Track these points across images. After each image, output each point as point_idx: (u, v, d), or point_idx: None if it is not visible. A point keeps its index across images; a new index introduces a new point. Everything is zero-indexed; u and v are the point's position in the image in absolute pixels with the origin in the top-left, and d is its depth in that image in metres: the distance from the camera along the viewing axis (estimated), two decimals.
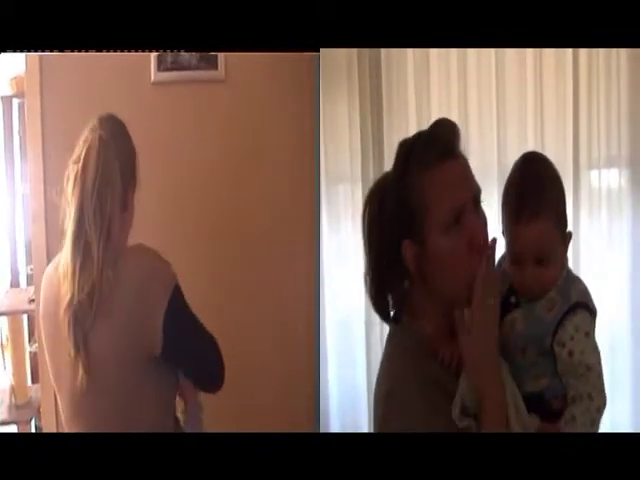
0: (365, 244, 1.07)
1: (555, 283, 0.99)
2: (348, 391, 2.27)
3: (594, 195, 2.29)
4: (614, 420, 2.24)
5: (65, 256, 1.26)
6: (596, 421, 0.95)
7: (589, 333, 0.98)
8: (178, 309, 1.30)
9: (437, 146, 0.99)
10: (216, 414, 1.51)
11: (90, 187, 1.24)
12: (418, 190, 0.98)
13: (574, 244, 2.23)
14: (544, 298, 0.99)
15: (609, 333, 2.27)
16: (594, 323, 1.00)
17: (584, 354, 0.96)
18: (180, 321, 1.31)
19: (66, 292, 1.24)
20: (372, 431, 1.05)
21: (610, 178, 2.32)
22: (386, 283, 1.06)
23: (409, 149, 1.01)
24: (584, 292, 1.01)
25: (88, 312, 1.22)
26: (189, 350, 1.34)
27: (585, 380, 0.94)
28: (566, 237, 1.02)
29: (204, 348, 1.37)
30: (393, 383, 1.02)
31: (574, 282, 1.01)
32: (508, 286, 1.04)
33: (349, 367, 2.28)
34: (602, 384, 0.96)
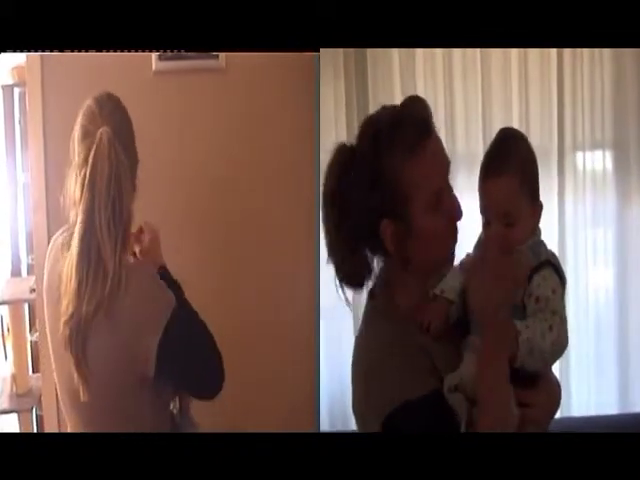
0: (331, 223, 1.04)
1: (524, 236, 1.00)
2: (336, 375, 2.28)
3: (579, 177, 2.33)
4: (600, 400, 2.30)
5: (69, 266, 1.18)
6: (545, 350, 0.95)
7: (556, 290, 0.97)
8: (176, 333, 1.22)
9: (417, 126, 0.99)
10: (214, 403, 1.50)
11: (104, 195, 1.16)
12: (401, 172, 0.98)
13: (559, 225, 2.29)
14: (516, 252, 1.00)
15: (594, 314, 2.32)
16: (563, 288, 1.00)
17: (549, 301, 0.96)
18: (178, 343, 1.23)
19: (68, 304, 1.18)
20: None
21: (595, 161, 2.35)
22: (361, 261, 1.05)
23: (387, 129, 0.99)
24: (554, 256, 1.03)
25: (90, 325, 1.17)
26: (186, 368, 1.27)
27: (548, 321, 0.95)
28: (536, 206, 1.03)
29: (203, 362, 1.29)
30: (373, 356, 1.02)
31: (545, 247, 1.03)
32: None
33: (336, 349, 2.28)
34: (565, 329, 0.96)
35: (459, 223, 1.05)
